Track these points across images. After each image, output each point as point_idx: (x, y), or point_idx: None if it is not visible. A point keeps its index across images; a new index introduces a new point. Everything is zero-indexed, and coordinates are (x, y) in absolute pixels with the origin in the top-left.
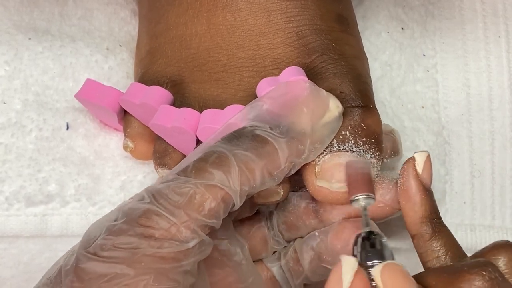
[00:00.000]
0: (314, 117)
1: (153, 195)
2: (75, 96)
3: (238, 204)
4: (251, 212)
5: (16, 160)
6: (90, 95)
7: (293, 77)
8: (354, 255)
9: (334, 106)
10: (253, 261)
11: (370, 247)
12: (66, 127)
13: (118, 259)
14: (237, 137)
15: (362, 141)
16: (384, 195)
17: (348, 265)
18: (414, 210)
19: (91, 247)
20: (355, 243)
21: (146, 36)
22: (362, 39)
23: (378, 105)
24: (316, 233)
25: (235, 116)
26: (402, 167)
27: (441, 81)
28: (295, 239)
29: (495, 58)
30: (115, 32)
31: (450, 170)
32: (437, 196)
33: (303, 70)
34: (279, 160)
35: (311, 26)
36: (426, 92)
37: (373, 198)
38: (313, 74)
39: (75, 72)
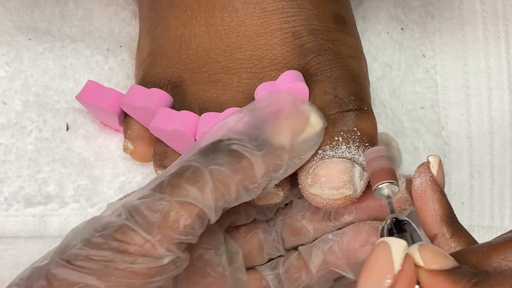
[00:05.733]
0: (294, 132)
1: (129, 211)
2: (76, 97)
3: (214, 219)
4: (247, 220)
5: (16, 160)
6: (91, 97)
7: (291, 82)
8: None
9: (315, 122)
10: (247, 268)
11: (399, 233)
12: (66, 128)
13: (90, 270)
14: (213, 151)
15: (355, 146)
16: None
17: (398, 246)
18: (433, 210)
19: (66, 255)
20: (382, 230)
21: (146, 37)
22: (362, 40)
23: (377, 105)
24: (330, 236)
25: (216, 126)
26: (416, 170)
27: (441, 82)
28: (294, 248)
29: (495, 59)
30: (116, 33)
31: (449, 171)
32: None
33: (299, 71)
34: (255, 175)
35: (307, 26)
36: (426, 92)
37: (397, 186)
38: (308, 76)
39: (76, 73)
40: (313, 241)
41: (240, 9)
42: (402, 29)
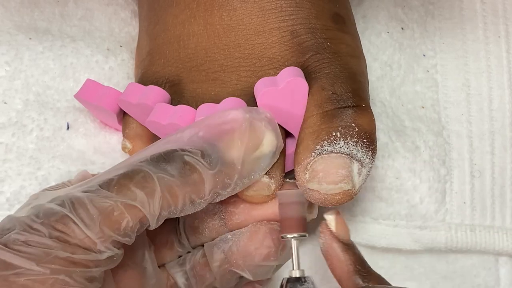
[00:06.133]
0: (246, 151)
1: (72, 202)
2: (74, 96)
3: (154, 226)
4: None
5: (17, 159)
6: (89, 96)
7: (291, 77)
8: None
9: (268, 142)
10: (158, 266)
11: None
12: (66, 127)
13: (30, 255)
14: (166, 160)
15: (353, 142)
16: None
17: None
18: (342, 265)
19: (3, 238)
20: (282, 286)
21: (145, 37)
22: (362, 39)
23: (378, 105)
24: (229, 236)
25: (171, 137)
26: (320, 231)
27: (441, 82)
28: (201, 245)
29: (495, 58)
30: (116, 32)
31: (450, 170)
32: (437, 196)
33: None
34: (204, 190)
35: (305, 25)
36: (426, 92)
37: (305, 236)
38: (307, 73)
39: (76, 72)
40: (213, 240)
41: (238, 8)
42: (402, 28)
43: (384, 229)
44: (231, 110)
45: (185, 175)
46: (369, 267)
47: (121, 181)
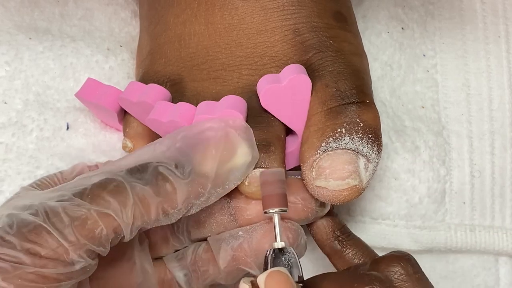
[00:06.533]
0: (220, 162)
1: (46, 212)
2: (75, 95)
3: (128, 237)
4: None
5: (17, 159)
6: (90, 94)
7: (294, 74)
8: (265, 269)
9: (242, 153)
10: (154, 259)
11: (280, 264)
12: (66, 127)
13: None
14: (140, 171)
15: (359, 137)
16: (296, 195)
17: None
18: (320, 233)
19: None
20: (266, 259)
21: (146, 36)
22: (362, 39)
23: (378, 105)
24: (240, 232)
25: (150, 147)
26: None
27: (441, 81)
28: (202, 239)
29: (495, 58)
30: (116, 32)
31: (450, 170)
32: (436, 196)
33: None
34: (176, 201)
35: (308, 23)
36: (426, 92)
37: (286, 211)
38: (310, 71)
39: (76, 72)
40: (218, 234)
41: (240, 7)
42: (402, 28)
43: (383, 229)
44: (208, 120)
45: (158, 185)
46: (349, 232)
47: (94, 191)
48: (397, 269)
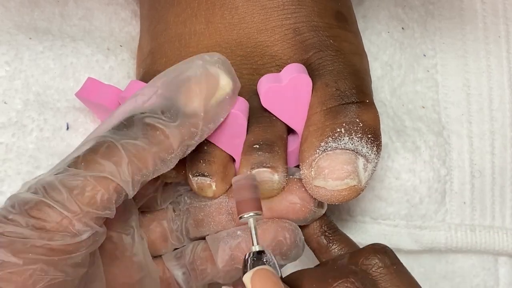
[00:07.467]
0: (206, 97)
1: (44, 187)
2: (76, 94)
3: (131, 194)
4: (163, 203)
5: (17, 159)
6: (90, 94)
7: (295, 74)
8: (244, 273)
9: (225, 83)
10: (154, 257)
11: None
12: (66, 127)
13: (5, 247)
14: (126, 126)
15: (358, 137)
16: (295, 195)
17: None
18: (307, 228)
19: None
20: (245, 262)
21: (147, 36)
22: (362, 39)
23: (378, 105)
24: (239, 232)
25: (131, 99)
26: None
27: (441, 81)
28: (200, 238)
29: (495, 58)
30: (116, 32)
31: (450, 170)
32: (437, 196)
33: None
34: (171, 146)
35: (308, 22)
36: (426, 92)
37: (261, 215)
38: (310, 71)
39: (76, 72)
40: (217, 233)
41: (240, 7)
42: (402, 28)
43: (383, 229)
44: (183, 61)
45: (149, 136)
46: (336, 227)
47: (86, 157)
48: (375, 262)
